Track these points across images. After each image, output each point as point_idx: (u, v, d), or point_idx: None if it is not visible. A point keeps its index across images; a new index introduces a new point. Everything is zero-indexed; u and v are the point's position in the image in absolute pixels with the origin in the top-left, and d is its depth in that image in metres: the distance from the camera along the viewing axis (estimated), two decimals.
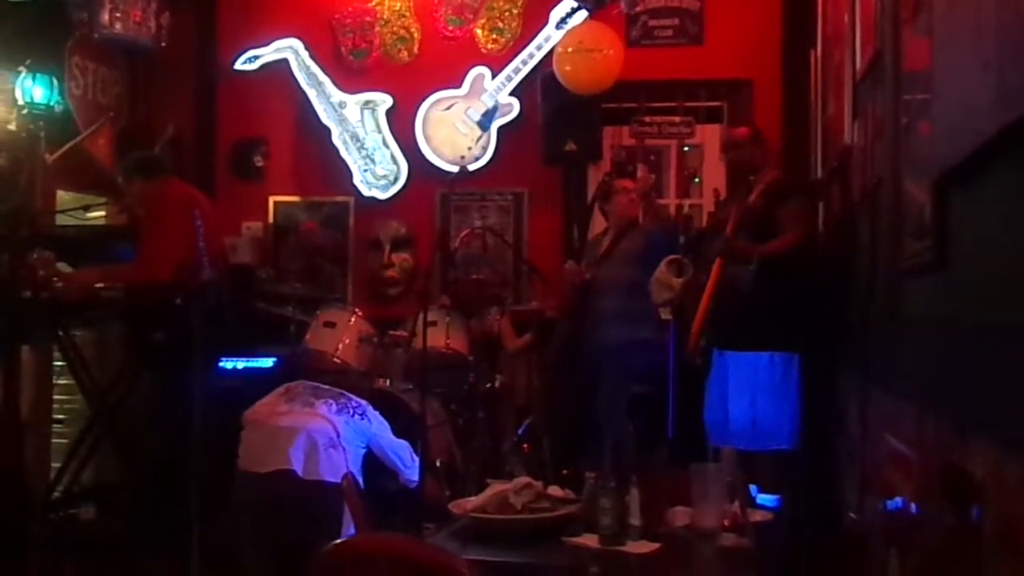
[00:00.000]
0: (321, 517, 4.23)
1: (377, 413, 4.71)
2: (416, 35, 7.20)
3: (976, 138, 1.98)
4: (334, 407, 4.55)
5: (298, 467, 4.33)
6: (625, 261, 5.60)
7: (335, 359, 5.30)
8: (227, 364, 5.77)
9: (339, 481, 4.38)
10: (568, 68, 6.40)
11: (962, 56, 2.13)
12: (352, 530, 4.27)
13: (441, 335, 5.67)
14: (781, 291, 4.53)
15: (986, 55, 1.92)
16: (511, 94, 6.94)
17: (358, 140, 7.09)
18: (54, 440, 6.27)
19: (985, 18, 1.94)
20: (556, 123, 6.59)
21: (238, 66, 7.24)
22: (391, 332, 5.92)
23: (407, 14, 7.21)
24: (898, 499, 2.90)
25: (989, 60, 1.90)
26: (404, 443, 4.71)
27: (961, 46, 2.14)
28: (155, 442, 5.26)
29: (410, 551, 2.21)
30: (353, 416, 4.57)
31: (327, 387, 4.69)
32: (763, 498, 4.41)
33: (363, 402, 4.70)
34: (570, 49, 6.43)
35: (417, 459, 4.69)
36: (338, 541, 2.16)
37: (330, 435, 4.44)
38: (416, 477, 4.67)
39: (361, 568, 2.12)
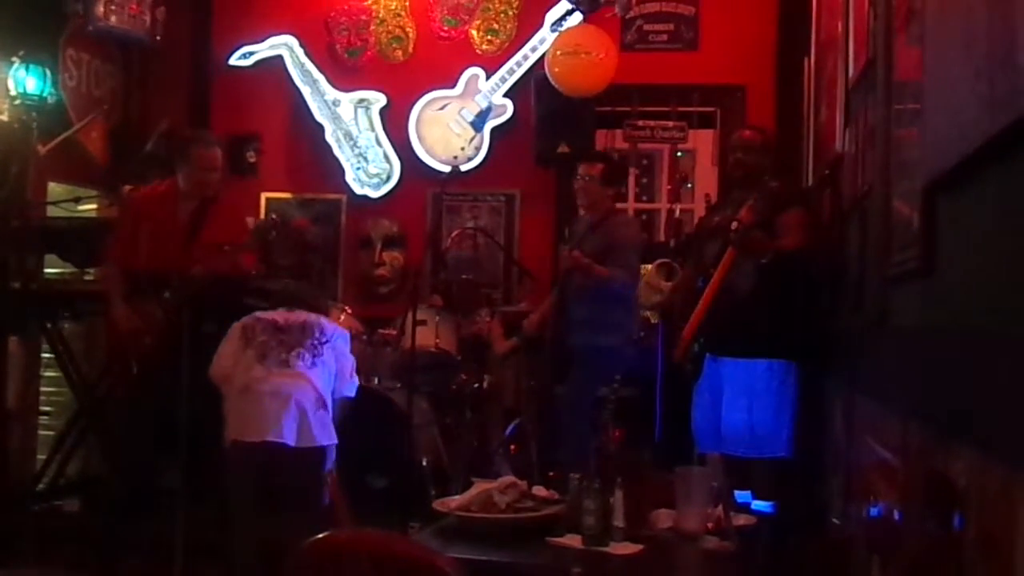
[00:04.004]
0: (312, 480, 4.36)
1: (335, 327, 4.76)
2: (411, 34, 7.20)
3: (965, 146, 1.98)
4: (308, 360, 4.51)
5: (290, 439, 4.32)
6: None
7: None
8: None
9: (329, 442, 4.46)
10: (561, 71, 6.40)
11: (953, 64, 2.14)
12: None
13: (431, 335, 5.67)
14: (781, 298, 4.51)
15: (977, 63, 1.93)
16: (505, 95, 6.95)
17: (351, 138, 7.09)
18: (40, 432, 6.25)
19: (976, 27, 1.95)
20: (549, 125, 6.58)
21: (233, 62, 7.23)
22: (380, 331, 5.92)
23: (403, 13, 7.21)
24: (881, 505, 2.91)
25: (980, 68, 1.90)
26: (353, 360, 4.75)
27: (952, 54, 2.15)
28: (142, 436, 5.21)
29: (393, 548, 2.21)
30: (324, 355, 4.56)
31: (287, 326, 4.59)
32: (758, 504, 4.41)
33: (324, 325, 4.68)
34: (563, 52, 6.43)
35: (356, 379, 4.75)
36: (320, 536, 2.15)
37: (314, 396, 4.44)
38: (351, 394, 4.72)
39: (344, 565, 2.12)
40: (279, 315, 4.65)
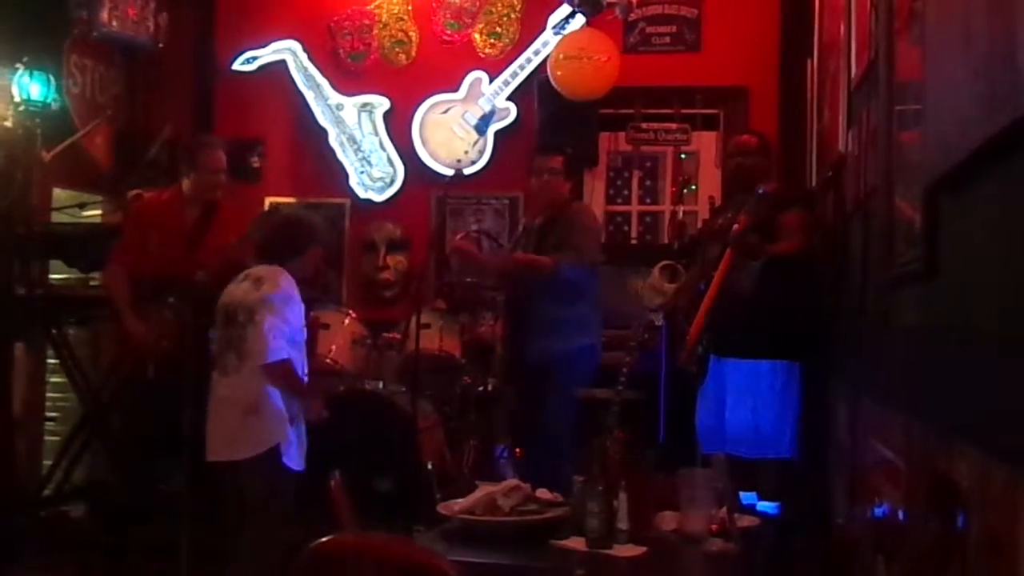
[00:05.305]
0: (256, 485, 4.09)
1: (258, 294, 4.13)
2: (414, 38, 7.21)
3: (966, 146, 1.98)
4: (234, 360, 4.13)
5: (215, 455, 4.15)
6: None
7: (328, 360, 5.31)
8: None
9: (261, 449, 4.07)
10: (564, 74, 6.41)
11: (953, 64, 2.14)
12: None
13: (435, 338, 5.68)
14: (783, 299, 4.51)
15: (976, 62, 1.93)
16: (508, 99, 6.95)
17: (355, 142, 7.10)
18: (46, 438, 6.27)
19: (976, 26, 1.95)
20: (552, 128, 6.58)
21: (236, 67, 7.24)
22: (385, 334, 5.93)
23: (405, 17, 7.22)
24: (886, 506, 2.91)
25: (979, 67, 1.90)
26: (272, 323, 4.07)
27: (952, 54, 2.15)
28: (147, 441, 5.22)
29: (396, 551, 2.21)
30: (247, 340, 4.09)
31: (231, 315, 4.19)
32: (763, 505, 4.40)
33: (244, 300, 4.14)
34: (566, 56, 6.43)
35: (270, 343, 4.04)
36: (324, 539, 2.15)
37: (245, 402, 4.10)
38: (266, 360, 4.03)
39: (347, 567, 2.12)
40: (233, 294, 4.24)
